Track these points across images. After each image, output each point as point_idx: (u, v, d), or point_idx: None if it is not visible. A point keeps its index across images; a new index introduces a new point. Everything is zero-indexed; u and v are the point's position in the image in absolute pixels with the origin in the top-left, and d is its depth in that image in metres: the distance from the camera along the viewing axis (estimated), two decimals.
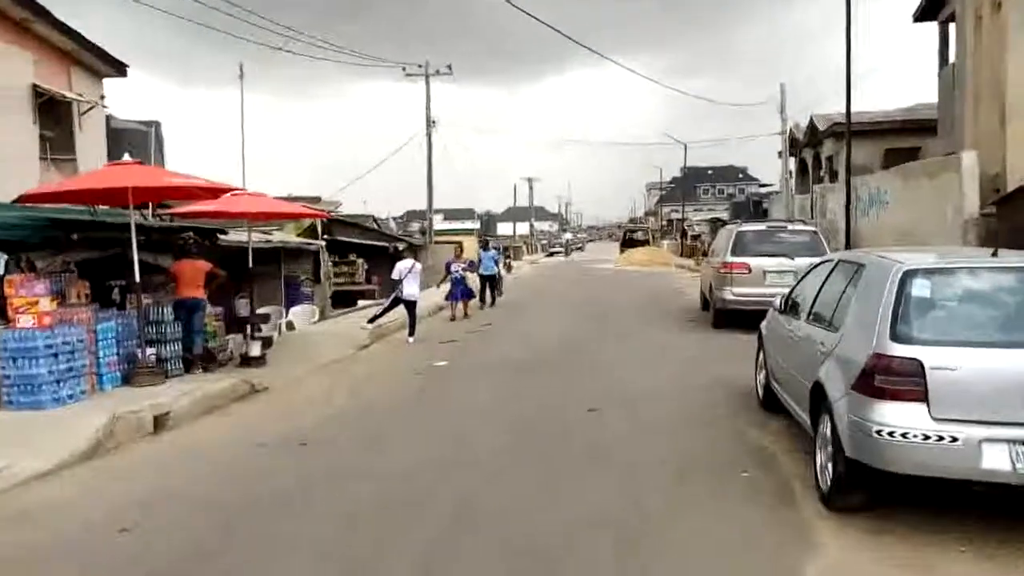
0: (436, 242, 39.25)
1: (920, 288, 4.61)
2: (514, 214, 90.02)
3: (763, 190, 62.92)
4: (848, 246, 18.69)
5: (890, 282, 4.68)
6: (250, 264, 12.44)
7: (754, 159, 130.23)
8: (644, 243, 54.57)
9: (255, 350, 11.96)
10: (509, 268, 43.34)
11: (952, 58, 22.40)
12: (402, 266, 14.30)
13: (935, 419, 4.30)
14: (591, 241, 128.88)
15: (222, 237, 13.30)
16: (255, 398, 9.66)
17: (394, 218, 56.73)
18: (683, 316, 16.75)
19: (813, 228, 14.44)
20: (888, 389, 4.40)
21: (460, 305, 17.59)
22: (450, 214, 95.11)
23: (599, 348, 12.57)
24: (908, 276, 4.66)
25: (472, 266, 19.56)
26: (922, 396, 4.33)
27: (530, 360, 11.59)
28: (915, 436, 4.29)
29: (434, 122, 32.14)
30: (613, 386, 9.42)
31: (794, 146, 35.48)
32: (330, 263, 18.68)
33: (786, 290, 13.85)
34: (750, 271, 13.59)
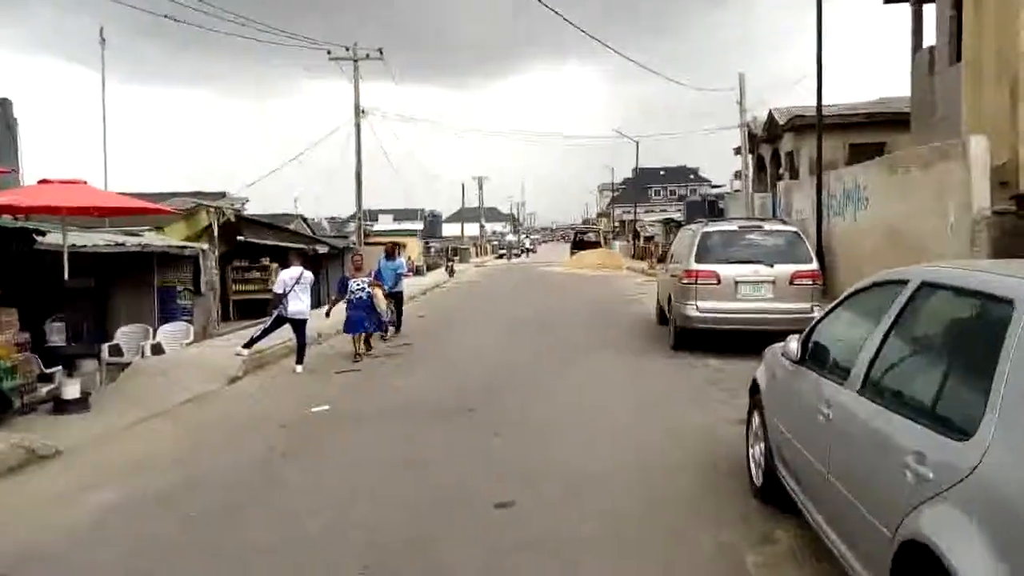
0: (370, 243, 36.14)
1: None
2: (463, 215, 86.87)
3: (715, 191, 61.15)
4: (820, 251, 16.31)
5: None
6: (65, 275, 9.39)
7: (706, 160, 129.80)
8: (595, 245, 52.30)
9: (71, 391, 8.99)
10: (452, 272, 40.53)
11: (933, 39, 20.33)
12: (286, 276, 11.32)
13: None
14: (544, 242, 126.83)
15: (41, 240, 10.20)
16: (29, 472, 6.66)
17: (331, 219, 53.32)
18: (637, 333, 14.11)
19: (794, 228, 11.92)
20: None
21: (361, 340, 12.24)
22: (400, 215, 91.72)
23: (531, 385, 9.74)
24: None
25: (380, 278, 13.70)
26: None
27: (441, 403, 8.75)
28: None
29: (364, 111, 29.06)
30: (539, 453, 6.63)
31: (751, 142, 33.40)
32: (215, 270, 15.54)
33: (752, 308, 11.44)
34: (719, 281, 10.99)
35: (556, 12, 19.34)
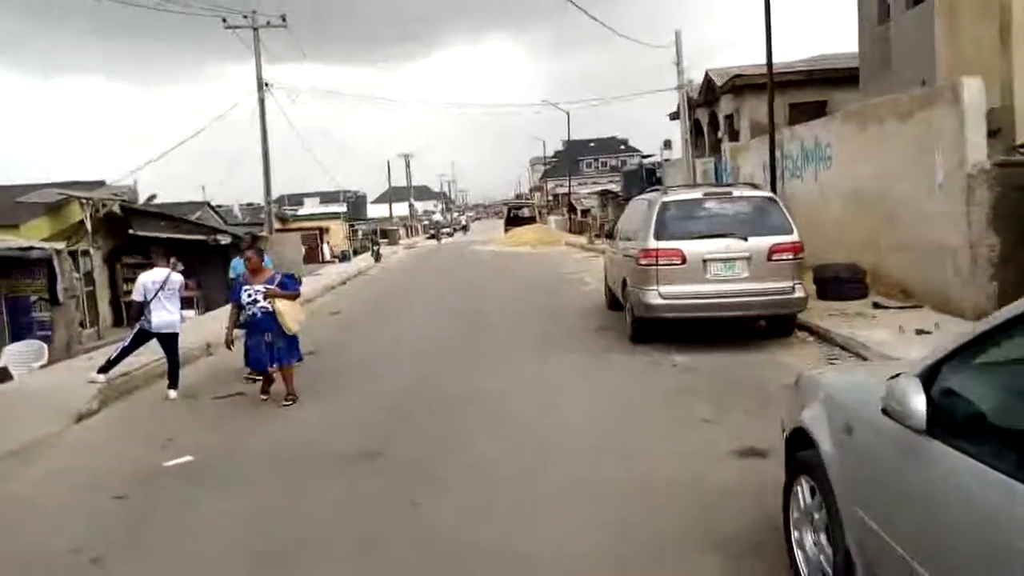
0: (288, 230, 33.36)
1: None
2: (392, 194, 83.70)
3: (647, 160, 59.77)
4: None
5: None
6: None
7: (634, 131, 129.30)
8: (530, 220, 50.51)
9: None
10: (378, 256, 38.00)
11: None
12: (147, 280, 8.94)
13: None
14: (478, 219, 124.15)
15: None
16: None
17: (247, 205, 49.92)
18: (586, 323, 12.18)
19: (767, 193, 10.16)
20: None
21: (275, 374, 8.31)
22: (327, 197, 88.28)
23: (460, 408, 7.63)
24: None
25: (293, 283, 8.56)
26: None
27: (341, 444, 6.64)
28: None
29: (268, 85, 26.25)
30: (470, 530, 4.61)
31: (687, 107, 31.90)
32: (75, 274, 12.95)
33: (724, 291, 9.39)
34: (684, 261, 9.13)
35: None
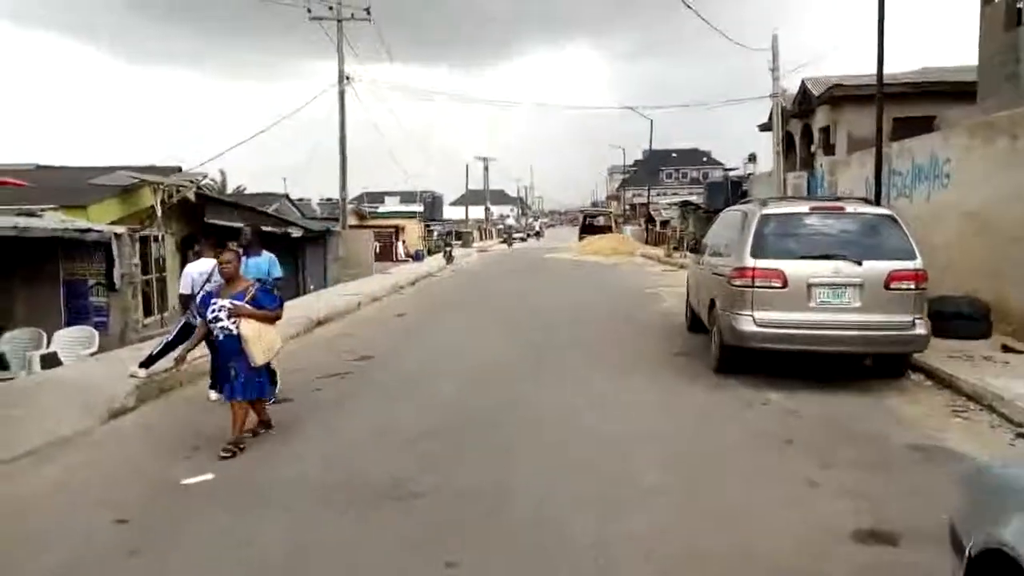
0: (358, 226, 33.09)
1: None
2: (468, 197, 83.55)
3: (732, 173, 57.60)
4: None
5: None
6: None
7: (717, 144, 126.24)
8: (606, 229, 49.19)
9: None
10: (450, 258, 37.50)
11: None
12: (193, 271, 8.33)
13: None
14: (552, 226, 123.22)
15: None
16: None
17: (325, 200, 50.30)
18: (663, 346, 11.06)
19: (886, 211, 8.86)
20: None
21: (238, 409, 6.41)
22: (407, 197, 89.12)
23: (514, 441, 6.66)
24: None
25: (271, 300, 6.67)
26: None
27: (378, 472, 5.79)
28: None
29: (349, 78, 25.97)
30: None
31: (780, 117, 30.21)
32: (134, 260, 12.57)
33: (831, 321, 7.33)
34: (785, 284, 7.96)
35: None
